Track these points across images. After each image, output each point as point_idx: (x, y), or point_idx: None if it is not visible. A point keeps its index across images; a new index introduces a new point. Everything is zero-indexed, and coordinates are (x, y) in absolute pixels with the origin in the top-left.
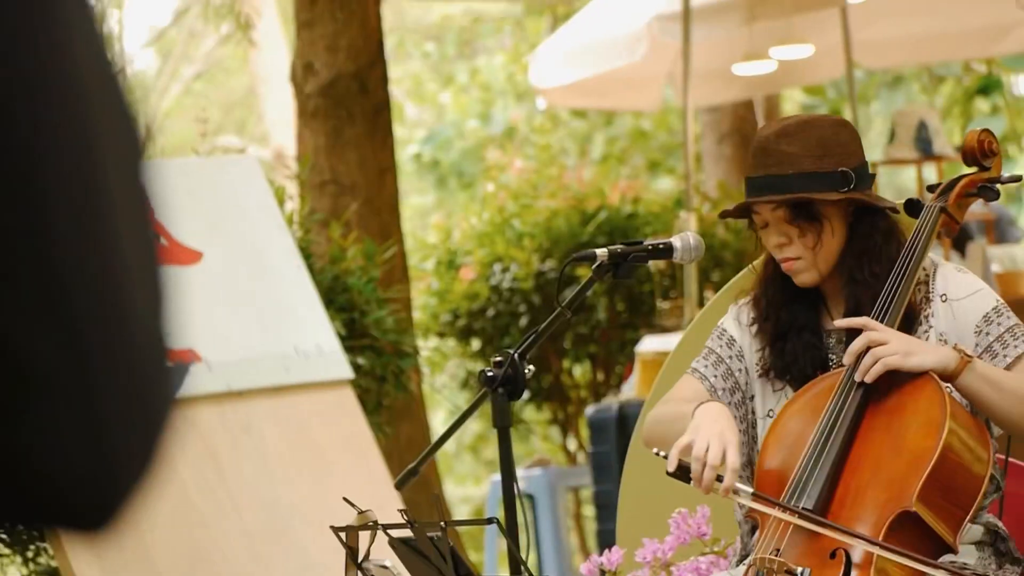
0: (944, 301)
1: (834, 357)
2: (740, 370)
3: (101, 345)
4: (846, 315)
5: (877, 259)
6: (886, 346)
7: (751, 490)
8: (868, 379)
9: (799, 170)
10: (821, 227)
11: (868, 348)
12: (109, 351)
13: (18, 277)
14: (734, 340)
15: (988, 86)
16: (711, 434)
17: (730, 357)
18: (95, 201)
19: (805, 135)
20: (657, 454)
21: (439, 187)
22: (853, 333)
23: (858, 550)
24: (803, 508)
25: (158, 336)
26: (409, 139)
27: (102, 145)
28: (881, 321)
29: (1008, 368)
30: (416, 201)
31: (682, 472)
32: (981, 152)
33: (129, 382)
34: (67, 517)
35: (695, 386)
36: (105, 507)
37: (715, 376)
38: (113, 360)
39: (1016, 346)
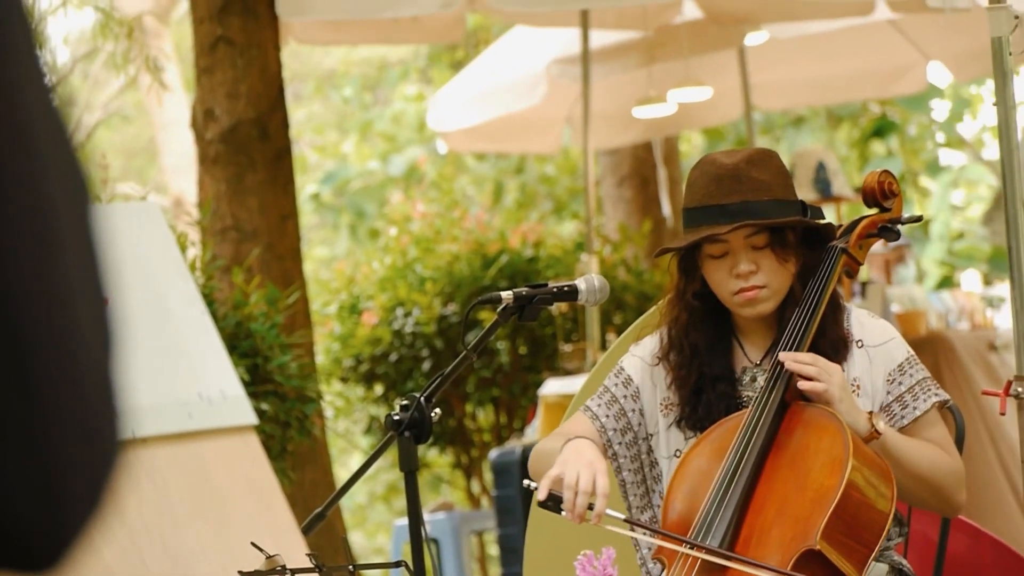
0: (860, 347)
1: (748, 394)
2: (634, 411)
3: (52, 387)
4: (775, 342)
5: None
6: (833, 376)
7: (622, 516)
8: (798, 374)
9: (773, 197)
10: (792, 254)
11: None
12: (60, 394)
13: None
14: (631, 380)
15: (883, 128)
16: (580, 464)
17: (625, 397)
18: (47, 244)
19: (770, 164)
20: (527, 486)
21: (341, 230)
22: (770, 370)
23: None
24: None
25: (108, 380)
26: (310, 180)
27: (53, 189)
28: None
29: (915, 420)
30: (322, 253)
31: (553, 502)
32: (881, 193)
33: (79, 425)
34: (13, 558)
35: (586, 425)
36: (52, 548)
37: (607, 416)
38: (64, 403)
39: (926, 399)
